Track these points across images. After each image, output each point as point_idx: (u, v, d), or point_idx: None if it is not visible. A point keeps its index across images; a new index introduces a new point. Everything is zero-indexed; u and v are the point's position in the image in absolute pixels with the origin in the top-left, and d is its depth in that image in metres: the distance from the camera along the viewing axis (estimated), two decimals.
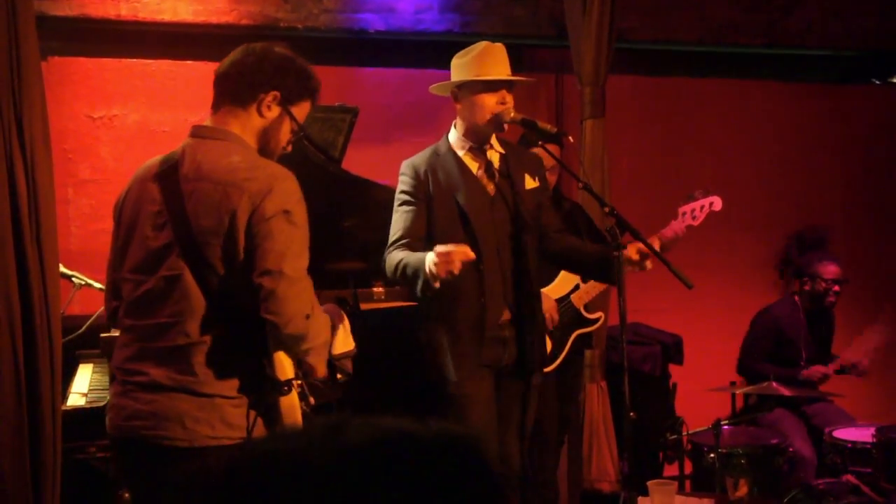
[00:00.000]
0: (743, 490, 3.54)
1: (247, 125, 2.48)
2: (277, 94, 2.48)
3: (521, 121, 3.47)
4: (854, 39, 5.98)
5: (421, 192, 3.46)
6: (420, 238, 3.42)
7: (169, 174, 2.43)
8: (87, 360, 3.94)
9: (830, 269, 5.05)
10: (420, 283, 3.22)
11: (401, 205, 3.48)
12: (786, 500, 3.89)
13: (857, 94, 6.39)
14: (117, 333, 3.65)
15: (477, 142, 3.50)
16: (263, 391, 2.37)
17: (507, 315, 3.45)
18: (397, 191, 3.51)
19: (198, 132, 2.50)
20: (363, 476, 0.75)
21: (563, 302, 4.17)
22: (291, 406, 2.37)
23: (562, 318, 4.12)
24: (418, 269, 3.21)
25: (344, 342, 3.07)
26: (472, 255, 3.12)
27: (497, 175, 3.51)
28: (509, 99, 3.43)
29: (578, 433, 4.81)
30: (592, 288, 4.22)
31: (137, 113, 5.08)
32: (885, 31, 6.00)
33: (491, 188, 3.51)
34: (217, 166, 2.37)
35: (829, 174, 6.31)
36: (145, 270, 2.42)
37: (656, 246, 3.81)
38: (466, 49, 3.48)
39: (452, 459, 0.79)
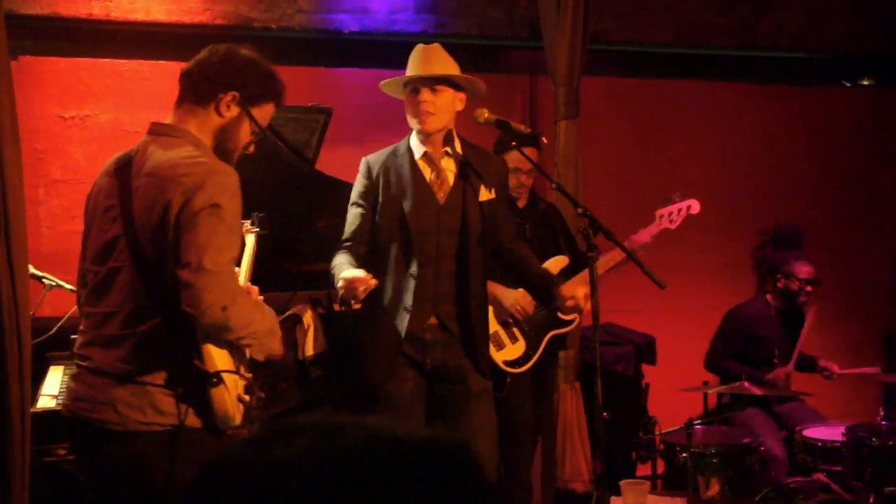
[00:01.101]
0: (714, 489, 3.56)
1: (204, 124, 2.55)
2: (237, 94, 2.54)
3: (496, 122, 3.47)
4: (825, 42, 6.03)
5: (369, 194, 3.51)
6: (365, 241, 3.49)
7: (123, 170, 2.53)
8: (57, 361, 3.91)
9: (804, 269, 5.09)
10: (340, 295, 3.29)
11: (351, 205, 3.56)
12: (757, 498, 3.92)
13: (828, 96, 6.45)
14: None
15: (436, 148, 3.50)
16: (193, 381, 2.44)
17: (432, 320, 3.49)
18: (353, 188, 3.59)
19: (154, 129, 2.59)
20: (359, 480, 0.75)
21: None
22: (221, 398, 2.44)
23: (536, 318, 4.13)
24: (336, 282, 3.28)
25: (316, 343, 3.09)
26: (373, 283, 3.18)
27: (450, 183, 3.51)
28: (426, 97, 3.40)
29: (552, 433, 4.82)
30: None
31: (109, 113, 5.05)
32: (855, 34, 6.06)
33: (441, 196, 3.50)
34: (161, 162, 2.45)
35: (800, 175, 6.37)
36: (98, 261, 2.53)
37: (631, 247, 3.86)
38: None
39: (445, 465, 0.80)
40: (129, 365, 2.44)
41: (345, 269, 3.26)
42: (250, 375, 2.58)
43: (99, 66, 5.04)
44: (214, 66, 2.56)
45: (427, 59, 3.45)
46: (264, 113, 2.61)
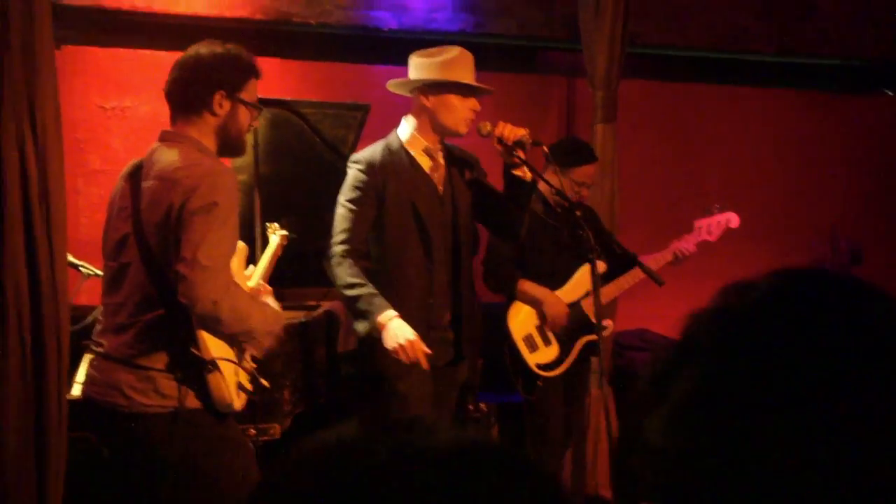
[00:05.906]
0: None
1: (203, 128, 2.75)
2: (223, 91, 2.73)
3: (517, 142, 3.48)
4: (866, 49, 5.97)
5: (372, 191, 3.44)
6: (363, 242, 3.45)
7: (134, 174, 2.78)
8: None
9: None
10: (365, 325, 3.33)
11: (348, 201, 3.45)
12: None
13: (869, 104, 6.38)
14: None
15: (435, 142, 3.54)
16: (191, 367, 2.66)
17: (448, 316, 3.50)
18: (347, 184, 3.49)
19: (162, 136, 2.81)
20: (446, 480, 0.74)
21: (574, 307, 4.15)
22: (217, 383, 2.67)
23: (571, 323, 4.11)
24: (369, 312, 3.30)
25: (347, 340, 3.21)
26: (426, 365, 3.27)
27: (445, 174, 3.55)
28: (478, 107, 3.49)
29: (583, 438, 4.80)
30: (603, 295, 4.20)
31: (149, 105, 5.07)
32: None
33: (441, 188, 3.54)
34: (165, 166, 2.68)
35: (839, 184, 6.30)
36: (112, 257, 2.79)
37: (669, 258, 3.91)
38: (433, 49, 3.51)
39: (533, 488, 0.78)
40: (133, 350, 2.68)
41: (375, 302, 3.30)
42: (254, 366, 2.85)
43: (140, 58, 5.07)
44: (190, 78, 2.75)
45: (473, 69, 3.51)
46: (251, 91, 2.79)
